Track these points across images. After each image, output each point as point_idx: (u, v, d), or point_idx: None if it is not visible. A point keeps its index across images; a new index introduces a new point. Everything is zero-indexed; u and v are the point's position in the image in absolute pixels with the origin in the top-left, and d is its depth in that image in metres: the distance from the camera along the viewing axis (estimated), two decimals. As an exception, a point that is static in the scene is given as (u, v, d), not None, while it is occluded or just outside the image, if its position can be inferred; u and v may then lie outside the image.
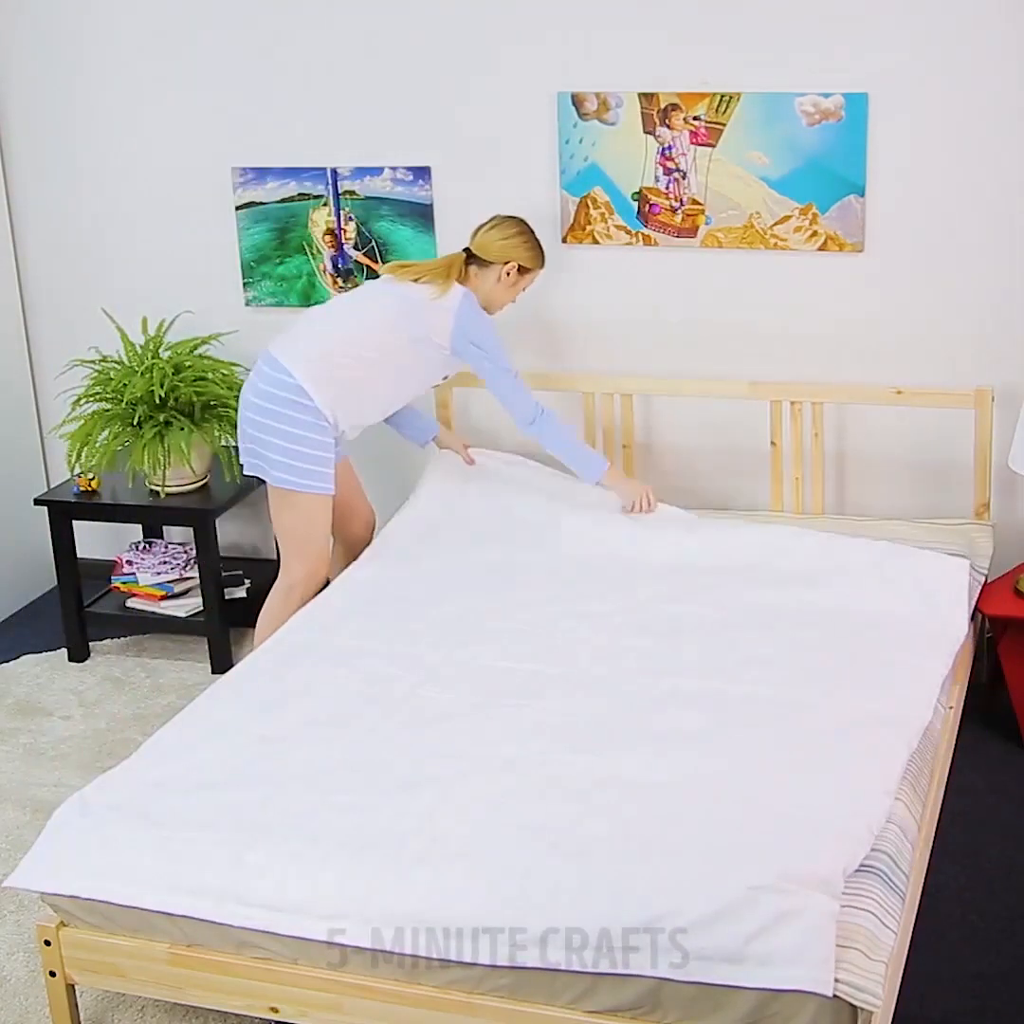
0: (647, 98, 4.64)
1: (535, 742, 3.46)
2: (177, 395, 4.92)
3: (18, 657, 5.23)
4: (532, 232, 4.53)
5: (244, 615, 5.23)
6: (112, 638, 5.32)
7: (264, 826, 3.17)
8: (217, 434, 5.00)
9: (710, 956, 2.80)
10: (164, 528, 5.54)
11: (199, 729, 3.59)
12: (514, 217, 4.54)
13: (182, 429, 4.88)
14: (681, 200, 4.72)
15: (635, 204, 4.77)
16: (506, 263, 4.48)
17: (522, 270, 4.52)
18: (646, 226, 4.78)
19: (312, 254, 5.14)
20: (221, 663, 5.03)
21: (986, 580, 4.65)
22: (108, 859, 3.18)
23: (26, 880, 3.22)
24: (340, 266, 5.12)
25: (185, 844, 3.15)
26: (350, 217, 5.06)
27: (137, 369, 4.96)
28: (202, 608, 5.05)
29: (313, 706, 3.68)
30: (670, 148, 4.67)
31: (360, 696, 3.72)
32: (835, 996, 2.73)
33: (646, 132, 4.68)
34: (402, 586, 4.36)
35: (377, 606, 4.23)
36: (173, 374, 4.94)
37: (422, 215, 4.98)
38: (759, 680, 3.72)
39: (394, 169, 4.97)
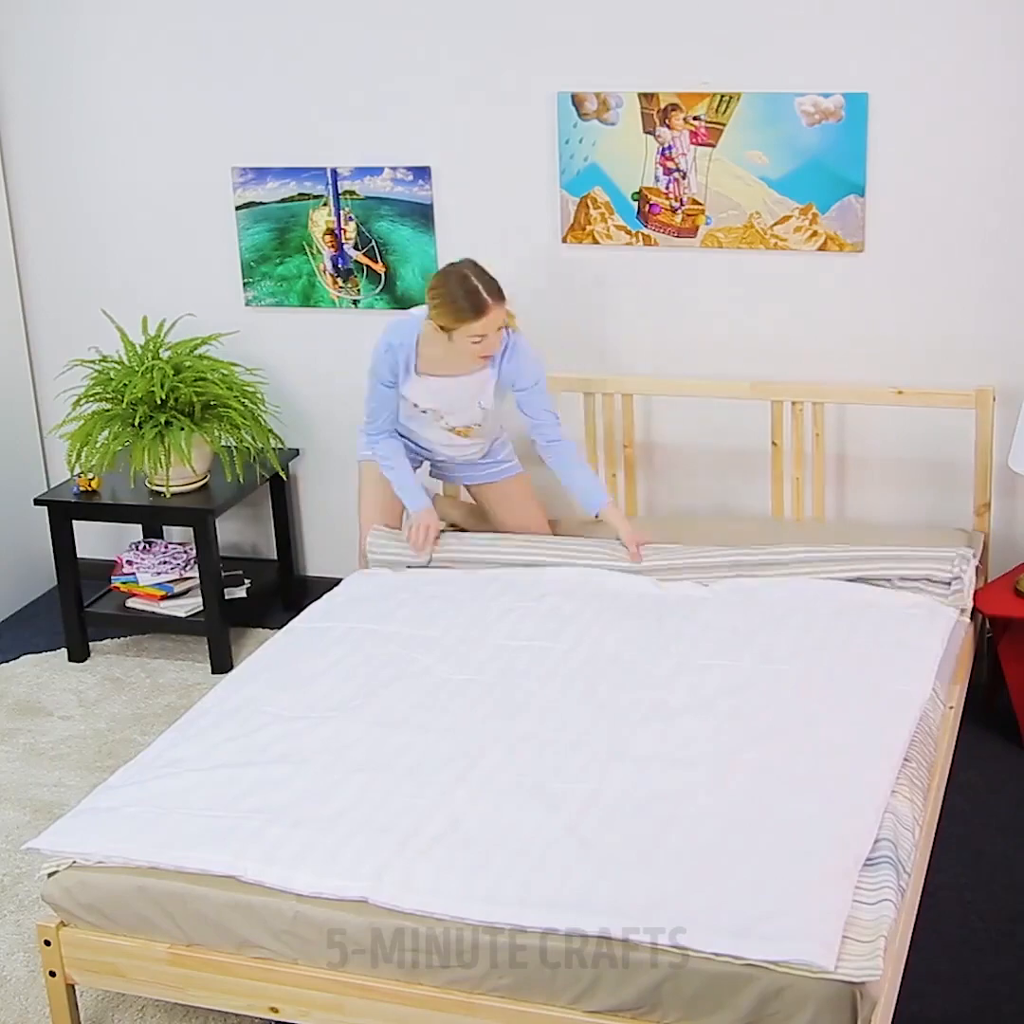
0: (647, 98, 4.64)
1: (541, 734, 3.51)
2: (177, 395, 4.92)
3: (18, 657, 5.23)
4: (458, 283, 4.19)
5: (244, 615, 5.24)
6: (112, 638, 5.32)
7: (278, 806, 3.25)
8: (217, 434, 5.00)
9: (715, 931, 2.81)
10: (164, 528, 5.54)
11: (217, 712, 3.70)
12: (446, 268, 4.28)
13: (182, 429, 4.88)
14: (681, 200, 4.72)
15: (635, 204, 4.77)
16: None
17: (445, 328, 4.24)
18: (646, 226, 4.78)
19: (312, 254, 5.14)
20: (221, 663, 5.03)
21: (986, 580, 4.65)
22: (125, 826, 3.24)
23: (45, 842, 3.27)
24: (340, 266, 5.12)
25: (202, 819, 3.23)
26: (350, 217, 5.06)
27: (137, 369, 4.96)
28: (202, 608, 5.05)
29: (329, 688, 3.78)
30: (670, 148, 4.67)
31: (374, 678, 3.82)
32: (835, 980, 2.73)
33: (646, 132, 4.68)
34: (417, 575, 4.47)
35: (391, 592, 4.32)
36: (173, 374, 4.94)
37: (422, 215, 4.97)
38: (751, 676, 3.76)
39: (394, 169, 4.97)
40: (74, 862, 3.21)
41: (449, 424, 4.52)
